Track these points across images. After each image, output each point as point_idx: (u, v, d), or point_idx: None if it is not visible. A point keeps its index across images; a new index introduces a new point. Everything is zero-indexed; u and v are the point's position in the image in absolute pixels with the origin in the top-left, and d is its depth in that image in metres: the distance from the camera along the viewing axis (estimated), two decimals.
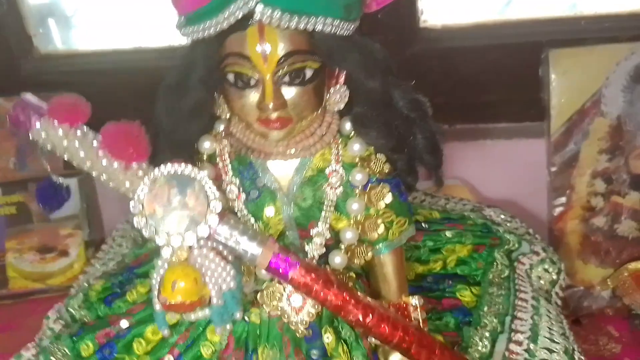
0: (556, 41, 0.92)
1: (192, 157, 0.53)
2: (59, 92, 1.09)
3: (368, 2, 0.53)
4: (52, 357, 0.58)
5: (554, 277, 0.69)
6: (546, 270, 0.69)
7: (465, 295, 0.64)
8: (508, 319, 0.61)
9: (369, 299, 0.51)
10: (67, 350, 0.58)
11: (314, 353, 0.53)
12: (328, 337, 0.54)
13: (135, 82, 0.84)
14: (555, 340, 0.57)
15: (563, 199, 0.92)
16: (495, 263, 0.67)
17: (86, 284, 0.71)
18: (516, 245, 0.70)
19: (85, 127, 0.50)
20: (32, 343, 0.63)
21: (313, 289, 0.49)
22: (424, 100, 0.55)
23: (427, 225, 0.69)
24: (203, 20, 0.46)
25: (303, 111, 0.51)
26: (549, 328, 0.59)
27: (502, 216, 0.79)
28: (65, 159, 0.50)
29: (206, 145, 0.54)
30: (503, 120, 1.01)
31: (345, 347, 0.54)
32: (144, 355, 0.57)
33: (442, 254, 0.67)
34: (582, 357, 0.57)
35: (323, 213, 0.54)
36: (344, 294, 0.49)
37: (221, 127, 0.55)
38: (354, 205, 0.54)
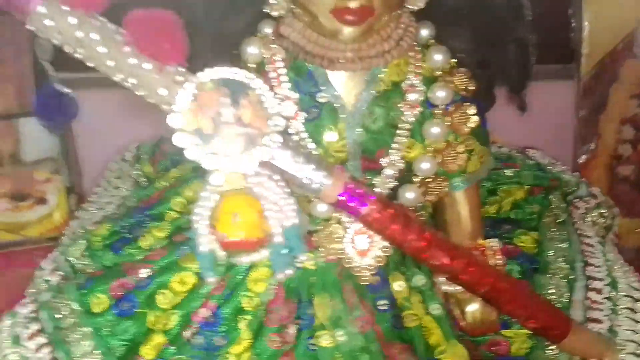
0: None
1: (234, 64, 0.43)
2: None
3: None
4: (56, 313, 0.48)
5: (609, 222, 0.63)
6: (601, 215, 0.63)
7: (525, 240, 0.57)
8: (579, 265, 0.54)
9: (451, 240, 0.43)
10: (74, 305, 0.48)
11: (383, 303, 0.45)
12: (399, 285, 0.46)
13: None
14: (634, 286, 0.52)
15: (589, 147, 0.87)
16: (551, 206, 0.61)
17: (83, 231, 0.60)
18: (574, 188, 0.64)
19: (101, 17, 0.39)
20: (27, 299, 0.52)
21: (390, 228, 0.40)
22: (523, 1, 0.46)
23: None
24: None
25: (387, 2, 0.41)
26: (624, 272, 0.53)
27: (547, 159, 0.72)
28: (77, 56, 0.39)
29: (252, 50, 0.44)
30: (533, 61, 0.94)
31: (419, 297, 0.46)
32: (170, 309, 0.48)
33: (498, 195, 0.60)
34: None
35: (397, 138, 0.45)
36: (427, 233, 0.41)
37: (269, 29, 0.45)
38: (434, 129, 0.45)
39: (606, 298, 0.51)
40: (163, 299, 0.48)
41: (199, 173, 0.56)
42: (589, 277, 0.53)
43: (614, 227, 0.65)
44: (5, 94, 0.96)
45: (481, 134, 0.48)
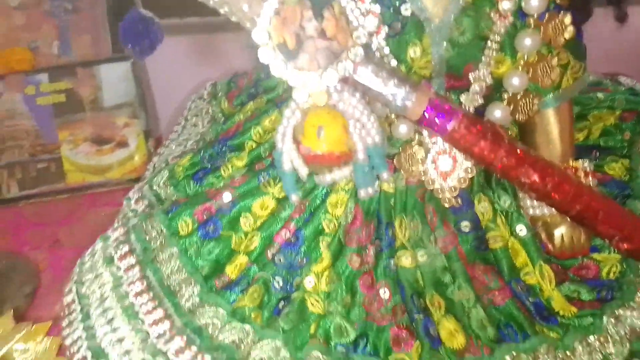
0: None
1: None
2: None
3: None
4: (145, 236, 0.51)
5: None
6: None
7: (615, 167, 0.54)
8: None
9: (543, 158, 0.41)
10: (162, 228, 0.50)
11: (465, 225, 0.45)
12: (484, 207, 0.45)
13: None
14: None
15: None
16: None
17: (165, 164, 0.63)
18: None
19: None
20: (116, 224, 0.56)
21: (478, 145, 0.39)
22: None
23: None
24: None
25: None
26: None
27: (638, 85, 0.67)
28: None
29: None
30: None
31: (504, 218, 0.45)
32: (253, 231, 0.49)
33: (587, 121, 0.57)
34: None
35: (486, 51, 0.43)
36: (518, 150, 0.39)
37: None
38: (527, 40, 0.42)
39: None
40: (246, 222, 0.49)
41: (276, 104, 0.56)
42: None
43: None
44: (83, 42, 1.00)
45: (576, 46, 0.45)
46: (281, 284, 0.46)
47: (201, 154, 0.58)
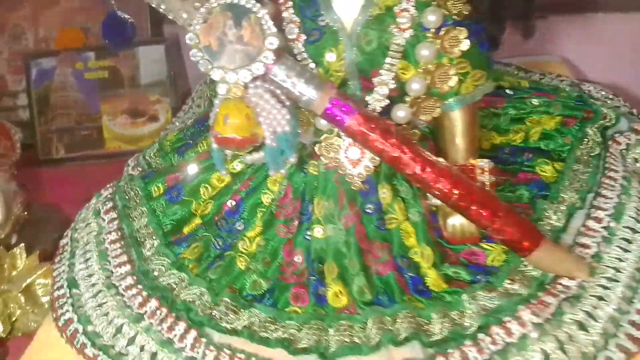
0: None
1: None
2: None
3: None
4: (125, 195, 0.62)
5: None
6: None
7: (546, 170, 0.59)
8: (590, 195, 0.55)
9: (428, 153, 0.47)
10: (138, 190, 0.61)
11: (369, 207, 0.52)
12: (384, 193, 0.52)
13: None
14: None
15: None
16: (585, 139, 0.61)
17: (162, 134, 0.73)
18: (613, 121, 0.62)
19: None
20: (110, 183, 0.67)
21: (369, 139, 0.46)
22: None
23: (511, 92, 0.62)
24: None
25: None
26: (637, 209, 0.53)
27: (603, 92, 0.70)
28: None
29: None
30: None
31: (402, 204, 0.52)
32: (208, 199, 0.59)
33: (525, 124, 0.61)
34: None
35: (388, 59, 0.49)
36: (403, 145, 0.46)
37: None
38: (424, 51, 0.49)
39: (604, 227, 0.51)
40: (204, 192, 0.59)
41: None
42: (594, 207, 0.54)
43: None
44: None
45: (477, 57, 0.50)
46: (221, 244, 0.56)
47: (185, 132, 0.69)
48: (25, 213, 0.90)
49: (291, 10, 0.50)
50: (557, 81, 0.74)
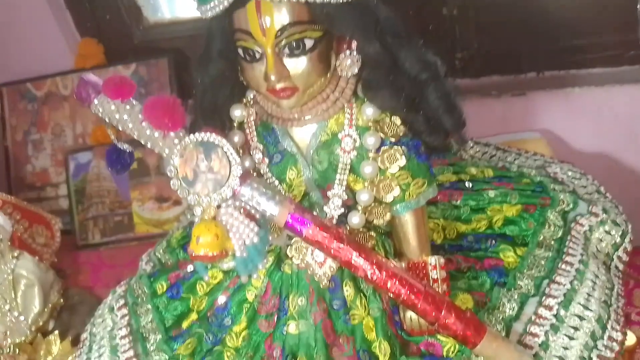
0: None
1: (225, 123, 0.59)
2: (165, 58, 1.21)
3: None
4: (135, 293, 0.70)
5: (617, 240, 0.65)
6: (607, 233, 0.65)
7: (508, 256, 0.63)
8: (545, 282, 0.59)
9: (380, 257, 0.53)
10: (145, 289, 0.69)
11: (336, 303, 0.58)
12: (347, 290, 0.58)
13: None
14: (591, 307, 0.55)
15: None
16: (547, 224, 0.65)
17: (171, 233, 0.83)
18: (571, 206, 0.67)
19: (133, 100, 0.58)
20: (124, 281, 0.76)
21: (324, 246, 0.53)
22: (434, 60, 0.54)
23: (470, 185, 0.68)
24: (208, 0, 0.50)
25: (308, 79, 0.53)
26: (588, 294, 0.57)
27: (570, 173, 0.74)
28: (119, 128, 0.59)
29: (237, 113, 0.60)
30: (597, 64, 0.92)
31: (364, 299, 0.57)
32: (203, 295, 0.66)
33: (486, 213, 0.66)
34: (617, 327, 0.54)
35: (338, 176, 0.56)
36: (353, 251, 0.53)
37: (251, 95, 0.60)
38: (367, 169, 0.56)
39: (554, 315, 0.55)
40: (200, 288, 0.67)
41: None
42: (546, 294, 0.58)
43: (625, 244, 0.66)
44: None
45: (417, 167, 0.56)
46: (211, 338, 0.63)
47: (188, 229, 0.77)
48: (62, 300, 1.00)
49: (256, 139, 0.59)
50: (532, 160, 0.79)
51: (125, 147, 0.62)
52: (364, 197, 0.56)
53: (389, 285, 0.52)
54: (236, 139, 0.58)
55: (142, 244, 1.16)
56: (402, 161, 0.55)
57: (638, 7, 0.82)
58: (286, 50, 0.51)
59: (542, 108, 0.94)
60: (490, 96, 0.95)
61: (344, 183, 0.57)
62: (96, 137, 1.26)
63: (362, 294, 0.58)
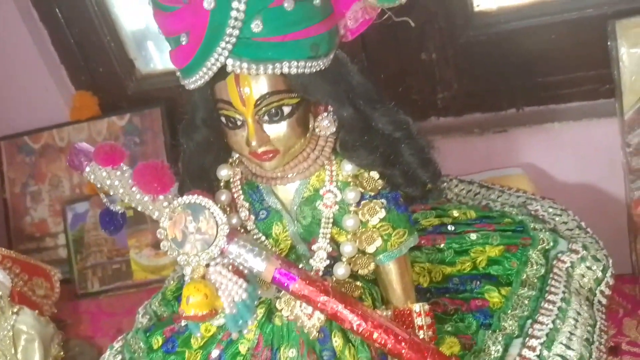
0: (623, 11, 0.85)
1: (212, 184, 0.62)
2: (158, 108, 1.24)
3: (342, 34, 0.55)
4: (131, 348, 0.72)
5: (599, 275, 0.67)
6: (589, 268, 0.67)
7: (494, 296, 0.65)
8: (529, 322, 0.61)
9: (365, 308, 0.55)
10: (142, 344, 0.71)
11: (326, 354, 0.60)
12: (336, 341, 0.60)
13: None
14: (572, 347, 0.57)
15: None
16: (530, 262, 0.67)
17: (166, 284, 0.84)
18: (551, 244, 0.69)
19: (124, 166, 0.61)
20: (120, 337, 0.78)
21: (311, 299, 0.55)
22: (406, 119, 0.57)
23: (453, 228, 0.70)
24: (190, 75, 0.53)
25: (288, 142, 0.56)
26: (570, 333, 0.59)
27: (551, 209, 0.76)
28: (111, 193, 0.62)
29: (223, 173, 0.62)
30: (573, 99, 0.95)
31: (352, 349, 0.59)
32: (198, 348, 0.68)
33: (469, 255, 0.68)
34: None
35: (321, 230, 0.59)
36: (339, 303, 0.54)
37: (236, 155, 0.62)
38: (349, 222, 0.58)
39: (537, 356, 0.57)
40: (195, 342, 0.68)
41: None
42: (529, 335, 0.59)
43: (606, 279, 0.68)
44: None
45: (397, 218, 0.59)
46: None
47: (181, 281, 0.79)
48: (62, 352, 1.01)
49: (242, 197, 0.62)
50: (514, 197, 0.82)
51: (118, 208, 0.65)
52: (347, 249, 0.59)
53: (375, 335, 0.54)
54: (223, 197, 0.61)
55: (140, 291, 1.18)
56: (382, 213, 0.58)
57: (608, 43, 0.85)
58: (265, 118, 0.54)
59: (523, 143, 0.96)
60: (473, 134, 0.98)
61: (328, 236, 0.59)
62: (92, 187, 1.27)
63: (350, 344, 0.60)
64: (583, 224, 0.75)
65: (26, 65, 1.29)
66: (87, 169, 0.61)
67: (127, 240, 1.23)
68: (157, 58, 1.32)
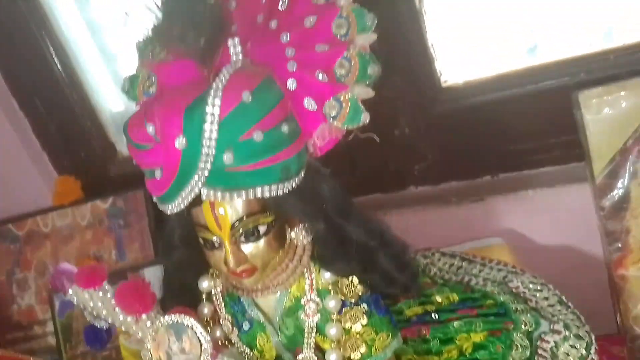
0: (586, 81, 0.88)
1: (194, 297, 0.62)
2: (141, 190, 1.25)
3: (312, 150, 0.57)
4: None
5: (583, 352, 0.68)
6: (572, 347, 0.68)
7: None
8: None
9: None
10: None
11: None
12: None
13: None
14: None
15: (619, 244, 0.87)
16: (514, 345, 0.68)
17: None
18: (534, 326, 0.70)
19: (106, 286, 0.61)
20: None
21: None
22: (379, 227, 0.58)
23: (437, 316, 0.71)
24: (167, 202, 0.54)
25: (265, 258, 0.57)
26: None
27: (531, 285, 0.77)
28: (94, 314, 0.62)
29: (204, 284, 0.63)
30: (546, 164, 0.98)
31: None
32: None
33: (455, 343, 0.69)
34: None
35: (305, 339, 0.60)
36: None
37: None
38: (332, 330, 0.59)
39: None
40: None
41: None
42: None
43: (591, 355, 0.69)
44: (134, 249, 1.28)
45: (379, 322, 0.60)
46: None
47: None
48: None
49: (224, 310, 0.62)
50: (496, 271, 0.83)
51: (102, 324, 0.65)
52: (333, 357, 0.59)
53: None
54: (205, 311, 0.62)
55: None
56: (364, 320, 0.59)
57: (574, 111, 0.88)
58: (242, 238, 0.55)
59: (501, 212, 0.98)
60: (451, 203, 1.00)
61: (312, 345, 0.60)
62: None
63: None
64: (564, 298, 0.76)
65: (6, 152, 1.30)
66: (70, 291, 0.61)
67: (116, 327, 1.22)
68: None
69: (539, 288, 0.77)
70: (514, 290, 0.77)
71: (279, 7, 0.54)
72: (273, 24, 0.54)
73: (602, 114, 0.87)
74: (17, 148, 1.31)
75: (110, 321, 0.61)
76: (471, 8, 0.97)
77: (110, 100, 1.29)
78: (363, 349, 0.59)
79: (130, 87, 0.57)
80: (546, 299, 0.76)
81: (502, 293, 0.75)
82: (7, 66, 1.26)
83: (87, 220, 1.30)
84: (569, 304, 0.75)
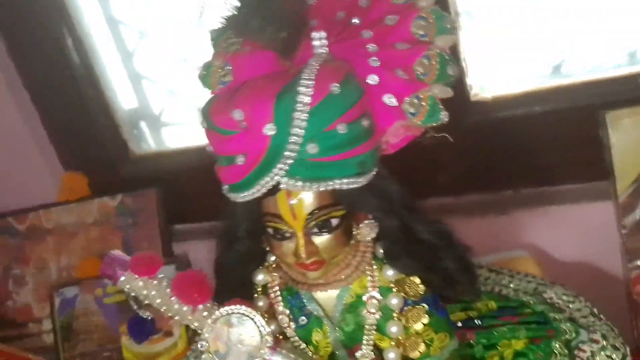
0: (612, 102, 0.91)
1: (251, 290, 0.61)
2: (153, 189, 1.22)
3: (384, 148, 0.58)
4: None
5: None
6: (609, 357, 0.69)
7: None
8: None
9: None
10: None
11: None
12: None
13: None
14: None
15: (638, 262, 0.90)
16: (554, 353, 0.69)
17: None
18: (574, 335, 0.71)
19: (161, 275, 0.60)
20: None
21: None
22: (447, 229, 0.59)
23: (480, 322, 0.72)
24: (243, 190, 0.54)
25: (333, 252, 0.57)
26: None
27: (565, 297, 0.79)
28: (146, 302, 0.60)
29: (260, 277, 0.62)
30: (568, 181, 1.00)
31: None
32: None
33: (497, 349, 0.70)
34: None
35: (365, 337, 0.59)
36: None
37: (272, 258, 0.63)
38: (393, 328, 0.59)
39: None
40: None
41: None
42: None
43: None
44: (141, 249, 1.25)
45: (437, 322, 0.60)
46: None
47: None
48: None
49: (281, 304, 0.61)
50: (525, 283, 0.84)
51: (147, 315, 0.63)
52: (391, 356, 0.59)
53: None
54: (261, 303, 0.61)
55: None
56: (426, 319, 0.59)
57: (599, 130, 0.90)
58: (315, 230, 0.55)
59: (524, 225, 1.00)
60: (475, 215, 1.02)
61: (372, 343, 0.59)
62: (83, 270, 1.24)
63: None
64: (596, 310, 0.77)
65: (14, 143, 1.26)
66: (122, 278, 0.60)
67: (119, 326, 1.19)
68: (151, 139, 1.32)
69: (571, 300, 0.79)
70: (548, 300, 0.78)
71: (360, 4, 0.55)
72: (354, 21, 0.55)
73: (628, 134, 0.90)
74: (25, 142, 1.28)
75: (163, 310, 0.60)
76: (502, 24, 1.00)
77: (125, 99, 1.28)
78: (422, 348, 0.59)
79: (206, 74, 0.56)
80: (579, 310, 0.77)
81: (538, 303, 0.76)
82: (20, 58, 1.23)
83: (93, 217, 1.27)
84: (601, 316, 0.76)
